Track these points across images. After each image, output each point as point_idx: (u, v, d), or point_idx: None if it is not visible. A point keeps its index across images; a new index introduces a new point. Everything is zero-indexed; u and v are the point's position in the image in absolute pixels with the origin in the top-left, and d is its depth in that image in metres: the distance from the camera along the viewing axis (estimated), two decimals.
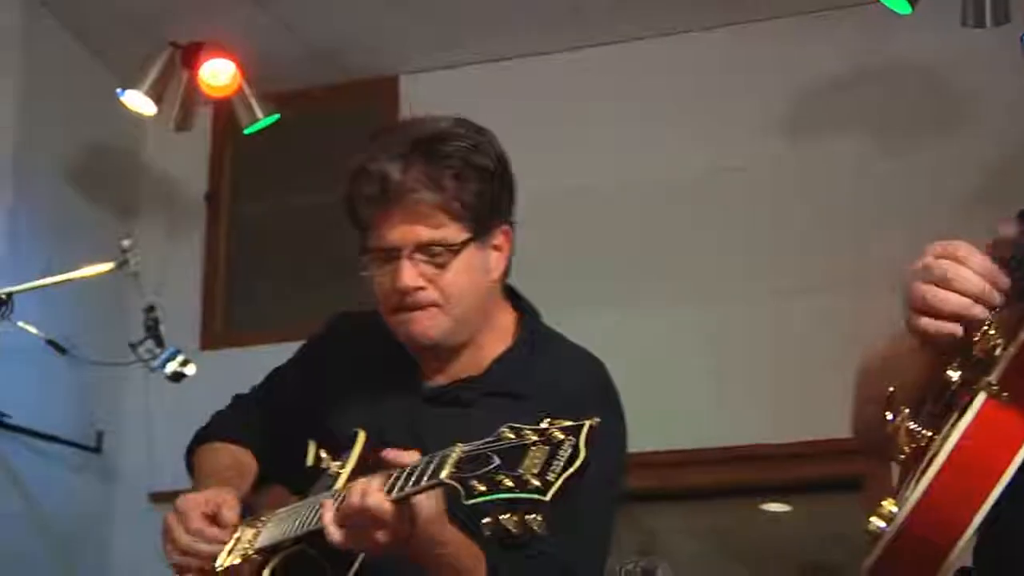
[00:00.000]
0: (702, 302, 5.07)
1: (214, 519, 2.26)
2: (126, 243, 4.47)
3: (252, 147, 5.51)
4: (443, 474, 1.75)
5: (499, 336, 2.31)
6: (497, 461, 1.69)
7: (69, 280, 4.41)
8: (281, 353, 2.57)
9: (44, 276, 4.42)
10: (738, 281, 5.06)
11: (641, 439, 4.69)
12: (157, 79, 4.97)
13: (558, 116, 5.36)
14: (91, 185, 5.53)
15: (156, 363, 4.48)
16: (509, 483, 1.66)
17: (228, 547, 2.25)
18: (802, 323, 4.93)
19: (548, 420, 1.71)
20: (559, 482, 1.64)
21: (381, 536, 1.90)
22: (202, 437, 2.53)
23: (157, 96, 4.99)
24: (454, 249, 2.21)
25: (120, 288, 4.94)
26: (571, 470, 1.65)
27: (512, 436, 1.70)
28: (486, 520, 1.69)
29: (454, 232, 2.21)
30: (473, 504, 1.69)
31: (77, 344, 4.84)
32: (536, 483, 1.65)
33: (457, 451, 1.76)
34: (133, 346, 4.54)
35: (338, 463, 2.20)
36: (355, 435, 2.22)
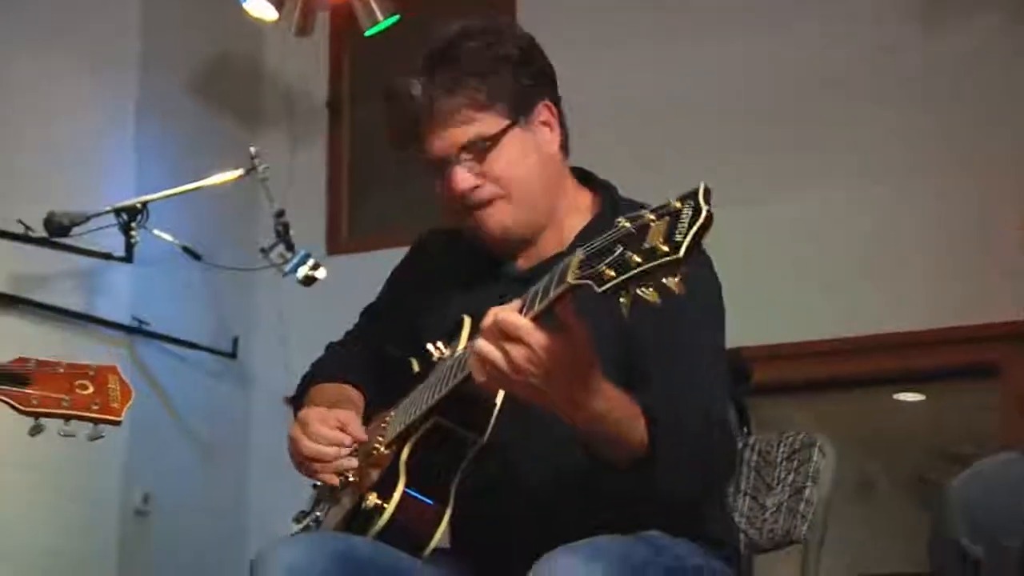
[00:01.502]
0: (839, 187, 4.94)
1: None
2: (253, 149, 4.52)
3: (371, 50, 5.49)
4: (569, 277, 1.71)
5: (578, 213, 2.33)
6: (620, 249, 1.64)
7: (200, 188, 4.48)
8: None
9: (174, 185, 4.49)
10: (877, 164, 4.92)
11: (774, 330, 4.69)
12: None
13: (682, 8, 5.27)
14: (215, 94, 5.55)
15: (288, 267, 4.50)
16: (638, 259, 1.62)
17: (357, 460, 2.25)
18: (941, 207, 4.79)
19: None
20: (689, 239, 1.60)
21: (522, 357, 1.81)
22: (307, 383, 2.52)
23: (278, 1, 4.99)
24: (495, 139, 2.24)
25: (249, 194, 5.00)
26: (697, 226, 1.60)
27: (628, 224, 1.66)
28: (622, 300, 1.64)
29: (490, 124, 2.24)
30: (606, 291, 1.64)
31: (210, 251, 4.90)
32: (665, 248, 1.61)
33: (578, 254, 1.72)
34: (264, 251, 4.55)
35: (447, 350, 2.21)
36: (461, 321, 2.21)
